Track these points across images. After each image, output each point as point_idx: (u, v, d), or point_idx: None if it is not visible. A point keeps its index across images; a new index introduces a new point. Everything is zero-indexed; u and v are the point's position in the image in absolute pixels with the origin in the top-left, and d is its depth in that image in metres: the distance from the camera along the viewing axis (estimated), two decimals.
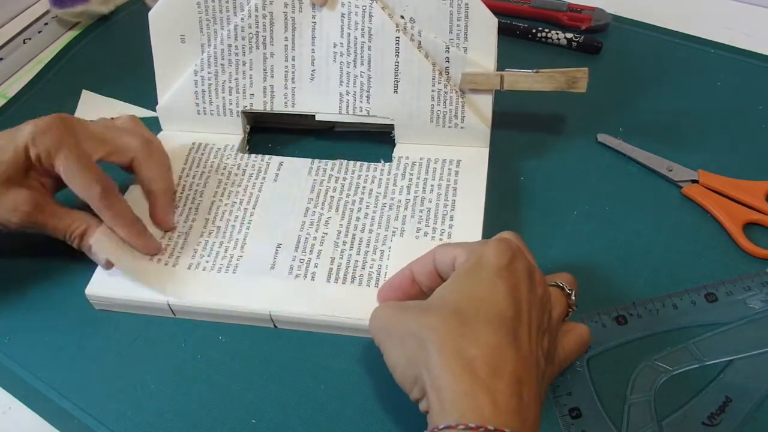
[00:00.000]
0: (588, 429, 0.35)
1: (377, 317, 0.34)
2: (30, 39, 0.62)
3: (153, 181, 0.43)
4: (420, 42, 0.45)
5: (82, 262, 0.43)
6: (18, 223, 0.40)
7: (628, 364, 0.38)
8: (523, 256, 0.33)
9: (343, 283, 0.41)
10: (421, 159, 0.47)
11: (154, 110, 0.50)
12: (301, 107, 0.48)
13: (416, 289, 0.37)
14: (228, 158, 0.48)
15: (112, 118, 0.46)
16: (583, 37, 0.57)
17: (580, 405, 0.36)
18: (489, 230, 0.43)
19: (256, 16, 0.46)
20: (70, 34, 0.63)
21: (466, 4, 0.43)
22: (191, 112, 0.49)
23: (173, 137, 0.49)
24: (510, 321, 0.30)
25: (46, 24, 0.63)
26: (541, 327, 0.32)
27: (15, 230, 0.41)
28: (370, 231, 0.43)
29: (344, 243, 0.43)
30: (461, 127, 0.47)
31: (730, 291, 0.41)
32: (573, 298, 0.36)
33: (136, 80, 0.50)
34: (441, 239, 0.42)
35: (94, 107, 0.55)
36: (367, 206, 0.45)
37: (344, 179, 0.46)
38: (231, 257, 0.42)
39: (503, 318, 0.30)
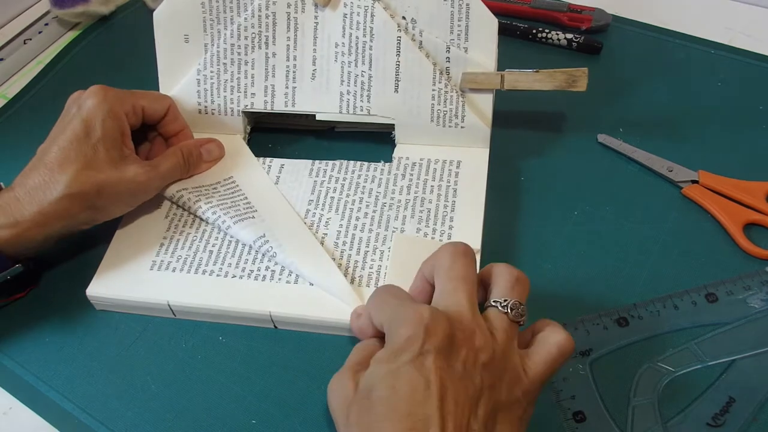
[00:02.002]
0: None
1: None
2: (30, 39, 0.62)
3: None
4: (421, 42, 0.45)
5: (82, 262, 0.43)
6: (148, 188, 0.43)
7: (630, 366, 0.38)
8: (436, 331, 0.31)
9: None
10: (421, 159, 0.47)
11: None
12: (302, 107, 0.48)
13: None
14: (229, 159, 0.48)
15: None
16: (583, 37, 0.57)
17: (583, 409, 0.36)
18: (489, 230, 0.43)
19: (260, 16, 0.46)
20: (71, 35, 0.63)
21: (467, 5, 0.44)
22: (193, 111, 0.49)
23: None
24: (415, 416, 0.29)
25: (46, 24, 0.63)
26: (472, 394, 0.30)
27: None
28: (370, 231, 0.43)
29: (344, 243, 0.43)
30: (462, 127, 0.47)
31: (730, 291, 0.41)
32: (512, 311, 0.33)
33: (136, 80, 0.50)
34: (441, 239, 0.42)
35: None
36: (367, 206, 0.45)
37: (344, 179, 0.46)
38: (231, 258, 0.42)
39: (407, 415, 0.29)
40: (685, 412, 0.36)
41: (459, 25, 0.44)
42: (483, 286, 0.35)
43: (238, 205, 0.45)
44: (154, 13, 0.47)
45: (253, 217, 0.44)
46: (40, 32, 0.62)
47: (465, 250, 0.35)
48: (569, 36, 0.57)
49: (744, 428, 0.35)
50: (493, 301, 0.34)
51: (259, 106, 0.48)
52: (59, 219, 0.40)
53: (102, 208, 0.41)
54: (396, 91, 0.46)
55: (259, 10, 0.46)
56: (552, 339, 0.33)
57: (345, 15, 0.45)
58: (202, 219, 0.44)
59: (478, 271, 0.35)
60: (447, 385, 0.30)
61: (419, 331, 0.30)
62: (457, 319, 0.32)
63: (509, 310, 0.33)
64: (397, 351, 0.31)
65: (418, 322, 0.31)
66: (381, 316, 0.34)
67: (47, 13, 0.63)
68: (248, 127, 0.50)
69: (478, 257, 0.41)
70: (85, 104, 0.42)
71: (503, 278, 0.35)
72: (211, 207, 0.44)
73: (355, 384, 0.32)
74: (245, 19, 0.46)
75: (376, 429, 0.29)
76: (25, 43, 0.61)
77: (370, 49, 0.45)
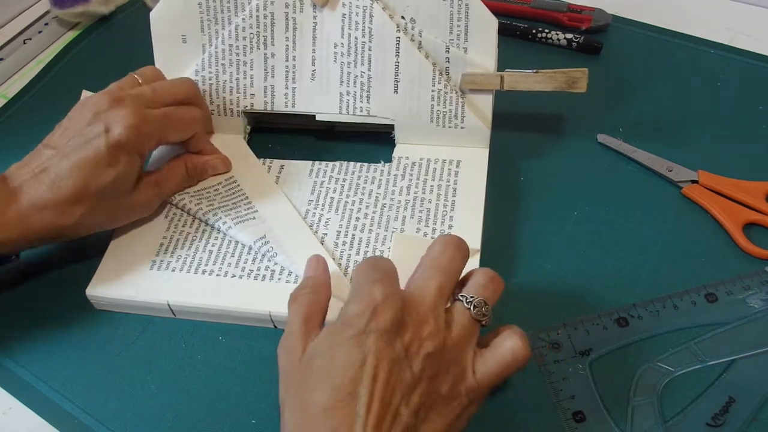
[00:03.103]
0: None
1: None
2: (30, 39, 0.62)
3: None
4: (420, 42, 0.45)
5: (82, 263, 0.43)
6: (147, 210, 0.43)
7: (630, 366, 0.38)
8: (384, 312, 0.31)
9: None
10: (420, 159, 0.47)
11: None
12: (302, 107, 0.48)
13: None
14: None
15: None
16: (583, 37, 0.57)
17: (583, 409, 0.36)
18: (489, 230, 0.43)
19: (257, 16, 0.46)
20: (71, 35, 0.63)
21: (467, 5, 0.44)
22: None
23: None
24: (345, 390, 0.30)
25: (46, 24, 0.63)
26: (408, 380, 0.30)
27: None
28: (370, 231, 0.43)
29: (344, 243, 0.43)
30: (461, 128, 0.47)
31: (730, 291, 0.41)
32: (475, 309, 0.33)
33: None
34: None
35: None
36: (367, 207, 0.45)
37: (344, 180, 0.46)
38: (231, 258, 0.42)
39: (338, 388, 0.30)
40: (685, 411, 0.36)
41: (458, 25, 0.44)
42: (461, 285, 0.35)
43: (239, 206, 0.45)
44: (151, 14, 0.47)
45: (254, 218, 0.44)
46: (40, 32, 0.62)
47: (458, 243, 0.35)
48: (569, 36, 0.57)
49: (744, 428, 0.35)
50: (460, 296, 0.34)
51: (258, 107, 0.48)
52: (54, 237, 0.40)
53: (101, 228, 0.42)
54: (395, 91, 0.46)
55: (257, 11, 0.46)
56: (508, 344, 0.33)
57: (344, 15, 0.45)
58: (202, 221, 0.44)
59: (465, 269, 0.35)
60: (383, 366, 0.30)
61: (367, 310, 0.31)
62: (416, 304, 0.32)
63: (472, 307, 0.33)
64: (344, 325, 0.32)
65: (369, 301, 0.31)
66: (353, 283, 0.34)
67: (47, 13, 0.63)
68: (248, 128, 0.50)
69: (477, 257, 0.41)
70: (115, 128, 0.39)
71: (477, 277, 0.35)
72: (212, 210, 0.44)
73: (303, 349, 0.33)
74: (243, 19, 0.46)
75: (308, 397, 0.30)
76: (25, 43, 0.61)
77: (369, 49, 0.45)
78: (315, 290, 0.36)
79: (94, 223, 0.41)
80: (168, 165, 0.44)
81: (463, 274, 0.35)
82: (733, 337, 0.39)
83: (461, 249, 0.35)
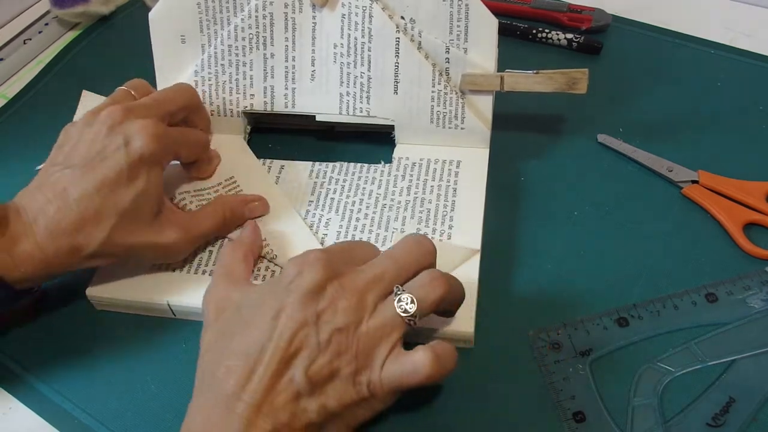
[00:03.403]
0: None
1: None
2: (30, 39, 0.62)
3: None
4: (420, 43, 0.45)
5: None
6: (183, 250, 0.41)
7: (630, 366, 0.38)
8: (309, 274, 0.32)
9: None
10: (421, 160, 0.47)
11: None
12: (301, 108, 0.48)
13: None
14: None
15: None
16: (583, 37, 0.57)
17: (583, 409, 0.36)
18: (489, 231, 0.43)
19: (256, 16, 0.46)
20: (71, 35, 0.63)
21: (467, 5, 0.43)
22: None
23: None
24: (252, 339, 0.31)
25: (46, 24, 0.63)
26: (310, 344, 0.31)
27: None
28: (370, 232, 0.43)
29: None
30: (461, 128, 0.47)
31: (730, 291, 0.40)
32: (399, 303, 0.32)
33: None
34: (441, 240, 0.42)
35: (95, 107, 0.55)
36: (367, 207, 0.45)
37: (344, 181, 0.46)
38: None
39: (249, 336, 0.31)
40: (685, 412, 0.36)
41: (458, 26, 0.44)
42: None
43: None
44: (150, 14, 0.47)
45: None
46: (40, 32, 0.62)
47: (420, 239, 0.35)
48: (569, 36, 0.57)
49: (744, 428, 0.35)
50: (395, 288, 0.33)
51: (258, 107, 0.48)
52: (71, 266, 0.37)
53: (118, 259, 0.39)
54: (395, 92, 0.46)
55: (256, 11, 0.46)
56: (417, 356, 0.32)
57: (343, 15, 0.45)
58: None
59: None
60: (290, 325, 0.31)
61: (295, 269, 0.32)
62: (349, 279, 0.32)
63: (397, 301, 0.32)
64: (277, 280, 0.33)
65: (301, 261, 0.33)
66: None
67: (47, 13, 0.63)
68: (248, 128, 0.50)
69: (477, 257, 0.41)
70: (136, 140, 0.36)
71: (421, 275, 0.34)
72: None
73: (227, 297, 0.35)
74: (242, 19, 0.46)
75: (223, 341, 0.32)
76: (25, 43, 0.61)
77: (369, 50, 0.45)
78: (252, 243, 0.39)
79: (113, 250, 0.37)
80: (203, 208, 0.42)
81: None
82: (734, 338, 0.39)
83: (421, 245, 0.35)
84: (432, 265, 0.35)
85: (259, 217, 0.44)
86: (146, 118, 0.38)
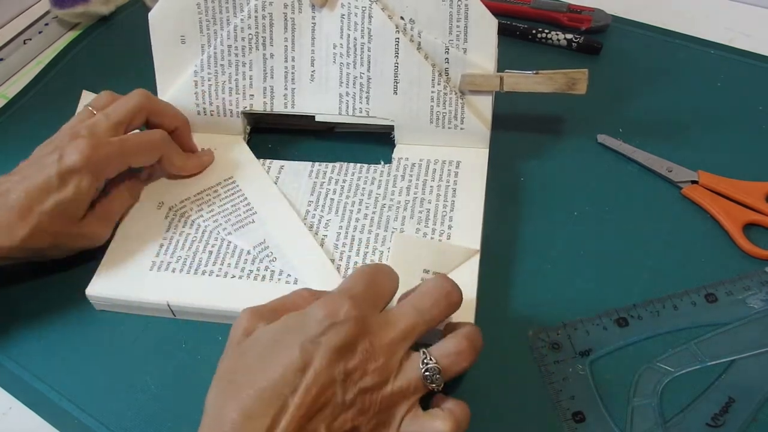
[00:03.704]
0: None
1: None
2: (30, 39, 0.62)
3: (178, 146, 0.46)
4: (420, 43, 0.45)
5: (82, 263, 0.43)
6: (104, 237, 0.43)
7: (630, 366, 0.38)
8: (341, 331, 0.31)
9: None
10: (420, 160, 0.47)
11: None
12: (301, 108, 0.48)
13: None
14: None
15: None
16: (583, 37, 0.57)
17: (583, 409, 0.36)
18: (489, 231, 0.43)
19: (256, 17, 0.46)
20: (71, 35, 0.63)
21: (466, 5, 0.43)
22: (191, 112, 0.49)
23: None
24: (274, 389, 0.30)
25: (46, 25, 0.63)
26: (337, 404, 0.30)
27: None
28: (370, 232, 0.43)
29: (344, 245, 0.43)
30: (461, 129, 0.47)
31: (729, 291, 0.41)
32: (427, 373, 0.32)
33: (136, 80, 0.50)
34: (440, 240, 0.42)
35: None
36: (367, 207, 0.45)
37: (344, 181, 0.46)
38: (231, 258, 0.42)
39: (269, 383, 0.30)
40: (685, 412, 0.36)
41: (458, 26, 0.44)
42: (445, 333, 0.35)
43: (239, 208, 0.45)
44: (149, 14, 0.46)
45: (253, 221, 0.44)
46: (40, 32, 0.62)
47: (450, 290, 0.34)
48: (569, 36, 0.57)
49: (744, 428, 0.35)
50: (423, 352, 0.33)
51: (258, 108, 0.48)
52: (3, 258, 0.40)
53: (50, 254, 0.42)
54: (395, 92, 0.46)
55: (256, 11, 0.46)
56: (437, 424, 0.32)
57: (342, 16, 0.45)
58: (201, 227, 0.44)
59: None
60: (318, 382, 0.30)
61: (326, 321, 0.31)
62: (376, 336, 0.32)
63: (424, 371, 0.32)
64: (301, 324, 0.32)
65: (332, 313, 0.31)
66: (347, 278, 0.34)
67: (47, 13, 0.63)
68: (248, 128, 0.50)
69: (477, 257, 0.41)
70: (69, 157, 0.40)
71: (452, 340, 0.34)
72: (213, 215, 0.44)
73: (252, 327, 0.33)
74: (242, 20, 0.46)
75: (239, 379, 0.31)
76: (25, 43, 0.61)
77: (369, 50, 0.45)
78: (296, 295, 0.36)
79: (37, 247, 0.40)
80: (109, 195, 0.44)
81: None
82: (733, 338, 0.39)
83: (450, 297, 0.34)
84: (452, 312, 0.35)
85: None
86: (89, 136, 0.41)
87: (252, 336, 0.32)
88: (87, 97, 0.56)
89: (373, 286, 0.34)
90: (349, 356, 0.31)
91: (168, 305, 0.41)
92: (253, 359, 0.31)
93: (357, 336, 0.31)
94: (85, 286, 0.41)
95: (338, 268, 0.41)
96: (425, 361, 0.32)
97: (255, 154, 0.48)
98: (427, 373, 0.32)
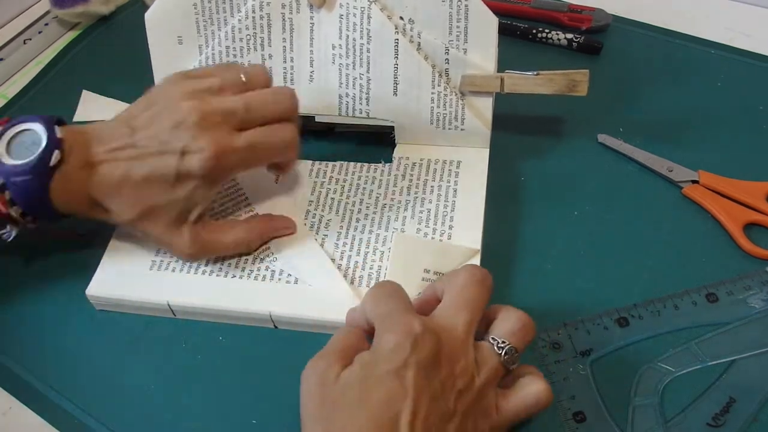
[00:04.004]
0: None
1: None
2: (30, 39, 0.62)
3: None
4: (419, 43, 0.45)
5: (82, 262, 0.43)
6: (188, 258, 0.42)
7: (631, 366, 0.38)
8: (424, 345, 0.31)
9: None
10: (421, 160, 0.47)
11: None
12: (301, 109, 0.48)
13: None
14: None
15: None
16: (583, 37, 0.57)
17: (583, 409, 0.36)
18: (489, 231, 0.43)
19: (254, 17, 0.46)
20: (71, 35, 0.63)
21: (466, 5, 0.43)
22: None
23: None
24: (383, 426, 0.29)
25: (46, 24, 0.63)
26: (443, 415, 0.30)
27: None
28: (370, 232, 0.43)
29: (344, 244, 0.43)
30: (461, 129, 0.47)
31: (730, 291, 0.40)
32: (506, 356, 0.33)
33: (136, 80, 0.50)
34: (441, 239, 0.42)
35: (95, 107, 0.55)
36: (367, 207, 0.45)
37: (344, 181, 0.46)
38: (231, 257, 0.42)
39: (376, 422, 0.29)
40: (686, 412, 0.36)
41: (458, 26, 0.44)
42: (486, 319, 0.35)
43: (239, 208, 0.45)
44: (146, 14, 0.46)
45: None
46: (40, 32, 0.62)
47: (483, 277, 0.35)
48: (569, 36, 0.57)
49: (744, 428, 0.35)
50: (492, 338, 0.33)
51: None
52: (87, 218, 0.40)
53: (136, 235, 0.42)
54: (395, 93, 0.46)
55: (253, 12, 0.45)
56: (533, 388, 0.33)
57: (341, 16, 0.45)
58: None
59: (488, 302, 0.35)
60: (423, 401, 0.30)
61: (407, 343, 0.30)
62: (448, 338, 0.32)
63: (503, 353, 0.33)
64: (381, 357, 0.31)
65: (407, 333, 0.31)
66: (373, 313, 0.33)
67: (47, 13, 0.63)
68: None
69: (478, 257, 0.41)
70: (192, 157, 0.37)
71: (510, 320, 0.34)
72: (213, 215, 0.44)
73: (336, 375, 0.31)
74: (239, 20, 0.46)
75: (339, 420, 0.30)
76: (25, 43, 0.61)
77: (368, 51, 0.45)
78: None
79: (129, 229, 0.40)
80: (233, 229, 0.41)
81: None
82: (734, 338, 0.39)
83: (485, 284, 0.35)
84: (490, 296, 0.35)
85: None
86: (219, 135, 0.37)
87: (338, 384, 0.31)
88: (87, 97, 0.56)
89: (398, 296, 0.34)
90: (437, 367, 0.31)
91: (168, 305, 0.41)
92: (350, 402, 0.30)
93: (437, 345, 0.31)
94: (85, 286, 0.41)
95: (339, 268, 0.41)
96: (499, 345, 0.33)
97: None
98: (506, 356, 0.33)
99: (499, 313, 0.35)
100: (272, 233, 0.43)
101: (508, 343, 0.33)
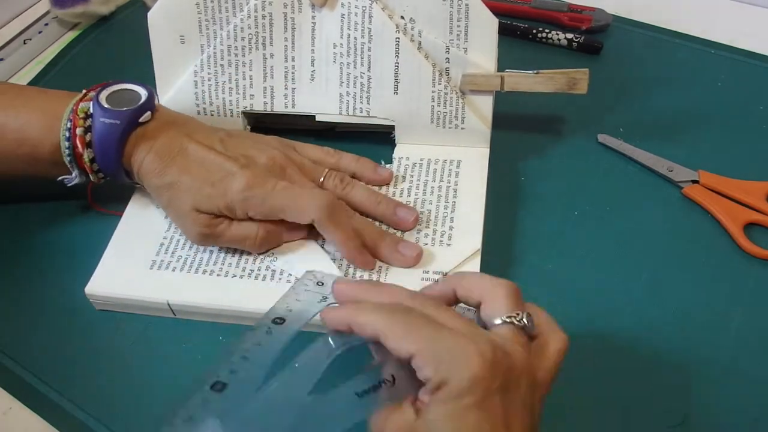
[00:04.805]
0: None
1: None
2: (30, 39, 0.62)
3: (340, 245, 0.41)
4: (420, 43, 0.45)
5: (82, 262, 0.43)
6: (196, 238, 0.42)
7: None
8: (501, 369, 0.28)
9: None
10: (421, 160, 0.47)
11: None
12: (301, 108, 0.48)
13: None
14: None
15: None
16: (583, 37, 0.57)
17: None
18: (489, 231, 0.43)
19: (256, 16, 0.46)
20: (71, 35, 0.63)
21: (467, 5, 0.43)
22: (191, 112, 0.49)
23: None
24: None
25: (46, 24, 0.63)
26: (530, 422, 0.29)
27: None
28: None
29: None
30: (462, 128, 0.47)
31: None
32: (527, 325, 0.31)
33: (136, 80, 0.50)
34: (441, 240, 0.42)
35: None
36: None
37: None
38: (231, 257, 0.42)
39: None
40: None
41: (458, 26, 0.44)
42: (469, 301, 0.33)
43: None
44: (149, 14, 0.46)
45: None
46: (40, 32, 0.62)
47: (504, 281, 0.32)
48: (569, 36, 0.57)
49: None
50: (507, 317, 0.31)
51: (258, 108, 0.48)
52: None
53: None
54: (396, 92, 0.46)
55: (255, 11, 0.46)
56: (555, 345, 0.31)
57: (342, 15, 0.45)
58: None
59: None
60: (513, 423, 0.28)
61: (485, 372, 0.28)
62: (509, 352, 0.30)
63: (525, 324, 0.31)
64: (461, 391, 0.28)
65: (482, 362, 0.28)
66: (414, 345, 0.29)
67: (47, 13, 0.63)
68: (248, 128, 0.50)
69: (478, 258, 0.41)
70: (236, 178, 0.40)
71: (502, 292, 0.32)
72: None
73: (414, 417, 0.29)
74: (241, 19, 0.46)
75: None
76: (25, 43, 0.61)
77: (369, 50, 0.45)
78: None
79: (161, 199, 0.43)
80: (245, 223, 0.42)
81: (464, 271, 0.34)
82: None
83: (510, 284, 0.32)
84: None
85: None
86: (270, 180, 0.41)
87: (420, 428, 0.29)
88: None
89: (420, 304, 0.31)
90: (515, 383, 0.29)
91: (168, 305, 0.41)
92: None
93: (509, 362, 0.29)
94: (85, 286, 0.41)
95: (339, 268, 0.41)
96: (517, 320, 0.31)
97: None
98: (528, 325, 0.31)
99: (480, 290, 0.32)
100: (282, 235, 0.42)
101: (521, 313, 0.31)
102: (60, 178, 0.42)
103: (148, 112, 0.41)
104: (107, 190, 0.45)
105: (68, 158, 0.41)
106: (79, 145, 0.40)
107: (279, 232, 0.42)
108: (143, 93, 0.42)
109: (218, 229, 0.41)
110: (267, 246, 0.42)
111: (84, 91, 0.42)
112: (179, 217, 0.42)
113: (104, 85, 0.42)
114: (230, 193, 0.40)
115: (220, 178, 0.40)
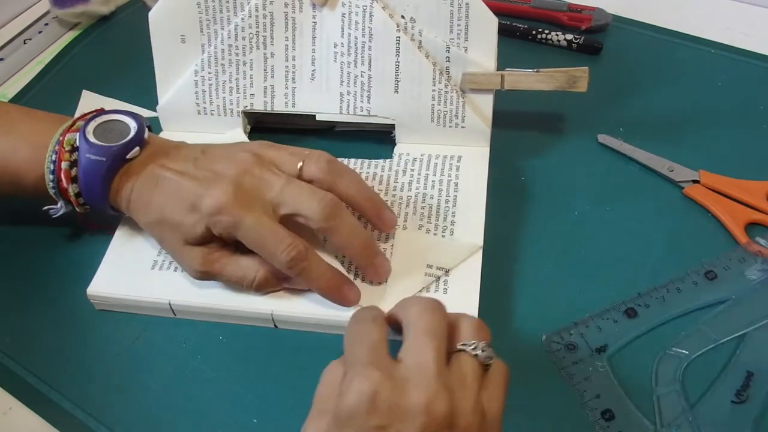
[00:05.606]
0: (624, 429, 0.35)
1: None
2: (30, 39, 0.62)
3: (344, 248, 0.39)
4: (420, 42, 0.45)
5: (82, 262, 0.43)
6: (195, 275, 0.40)
7: (647, 355, 0.38)
8: (439, 410, 0.27)
9: None
10: (421, 155, 0.47)
11: (155, 110, 0.50)
12: (302, 107, 0.48)
13: None
14: None
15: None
16: (583, 38, 0.57)
17: (611, 406, 0.36)
18: (489, 231, 0.43)
19: (257, 16, 0.46)
20: (71, 35, 0.63)
21: (467, 4, 0.43)
22: (192, 112, 0.49)
23: (173, 138, 0.49)
24: None
25: (46, 24, 0.63)
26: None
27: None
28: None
29: None
30: (462, 127, 0.47)
31: (727, 266, 0.41)
32: (481, 352, 0.30)
33: (136, 80, 0.50)
34: (443, 235, 0.42)
35: (95, 107, 0.54)
36: None
37: None
38: None
39: None
40: (708, 393, 0.36)
41: (459, 25, 0.44)
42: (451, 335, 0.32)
43: None
44: (150, 13, 0.46)
45: None
46: (40, 32, 0.62)
47: (435, 305, 0.31)
48: (569, 36, 0.57)
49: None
50: (461, 345, 0.30)
51: (258, 107, 0.48)
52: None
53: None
54: (396, 91, 0.46)
55: (256, 10, 0.46)
56: (499, 372, 0.31)
57: (343, 14, 0.45)
58: None
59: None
60: None
61: (361, 404, 0.27)
62: (422, 378, 0.28)
63: (480, 351, 0.30)
64: (398, 415, 0.28)
65: (362, 386, 0.27)
66: (345, 352, 0.30)
67: (47, 13, 0.63)
68: (248, 128, 0.50)
69: (480, 253, 0.41)
70: (207, 196, 0.37)
71: (466, 322, 0.32)
72: None
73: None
74: (242, 19, 0.46)
75: None
76: (25, 43, 0.61)
77: (369, 49, 0.45)
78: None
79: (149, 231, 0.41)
80: (244, 258, 0.39)
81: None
82: (739, 312, 0.39)
83: (439, 310, 0.31)
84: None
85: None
86: (253, 200, 0.38)
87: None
88: (87, 97, 0.56)
89: (369, 340, 0.30)
90: (450, 423, 0.28)
91: (169, 305, 0.41)
92: None
93: (447, 406, 0.28)
94: (85, 286, 0.41)
95: (341, 265, 0.41)
96: (471, 347, 0.30)
97: None
98: (483, 353, 0.30)
99: (457, 322, 0.32)
100: (283, 281, 0.40)
101: (477, 341, 0.31)
102: (45, 208, 0.41)
103: (137, 148, 0.39)
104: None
105: (53, 191, 0.40)
106: (64, 180, 0.39)
107: (280, 276, 0.39)
108: (132, 126, 0.40)
109: (215, 267, 0.39)
110: (266, 288, 0.40)
111: (72, 119, 0.40)
112: (175, 255, 0.40)
113: (95, 114, 0.40)
114: (203, 214, 0.37)
115: (192, 203, 0.38)
